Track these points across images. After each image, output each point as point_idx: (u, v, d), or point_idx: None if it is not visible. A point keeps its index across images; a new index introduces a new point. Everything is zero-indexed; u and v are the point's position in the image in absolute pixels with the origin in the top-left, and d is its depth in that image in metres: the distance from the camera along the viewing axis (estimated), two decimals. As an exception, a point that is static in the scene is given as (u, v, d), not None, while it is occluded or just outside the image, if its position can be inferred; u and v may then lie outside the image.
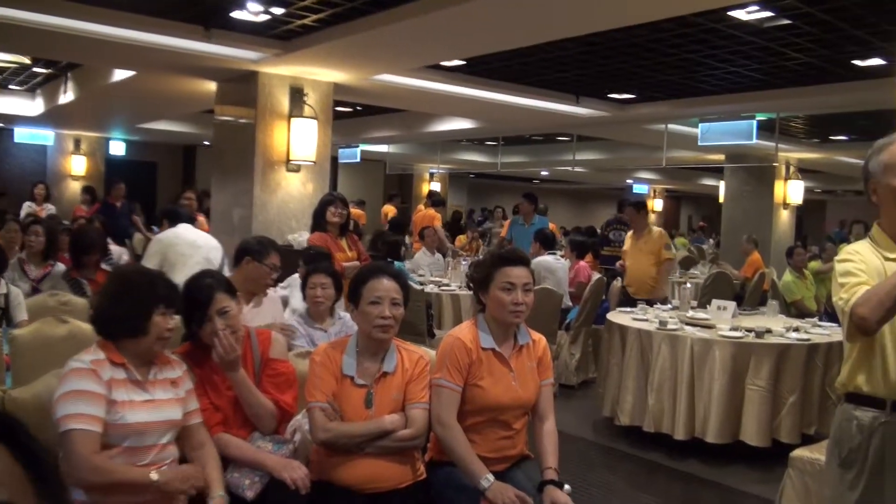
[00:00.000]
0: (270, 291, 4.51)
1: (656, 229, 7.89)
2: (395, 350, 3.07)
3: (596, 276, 8.22)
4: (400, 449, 2.95)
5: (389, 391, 2.99)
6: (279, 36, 7.80)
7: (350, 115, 14.02)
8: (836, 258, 2.58)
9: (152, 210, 13.10)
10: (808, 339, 5.62)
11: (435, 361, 3.09)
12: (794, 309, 8.86)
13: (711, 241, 19.16)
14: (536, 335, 3.25)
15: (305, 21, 7.23)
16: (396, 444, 2.93)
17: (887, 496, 2.42)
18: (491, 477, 2.84)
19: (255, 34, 7.75)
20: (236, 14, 7.06)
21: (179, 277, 3.19)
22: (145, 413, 2.61)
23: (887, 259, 2.50)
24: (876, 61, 8.21)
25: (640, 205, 8.02)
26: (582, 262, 8.69)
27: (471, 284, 3.26)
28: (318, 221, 6.14)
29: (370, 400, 2.96)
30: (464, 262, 9.11)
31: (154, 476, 2.53)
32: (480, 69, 9.36)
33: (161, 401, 2.67)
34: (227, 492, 2.73)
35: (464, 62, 8.91)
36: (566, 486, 2.97)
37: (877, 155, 2.53)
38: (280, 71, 8.70)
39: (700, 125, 11.69)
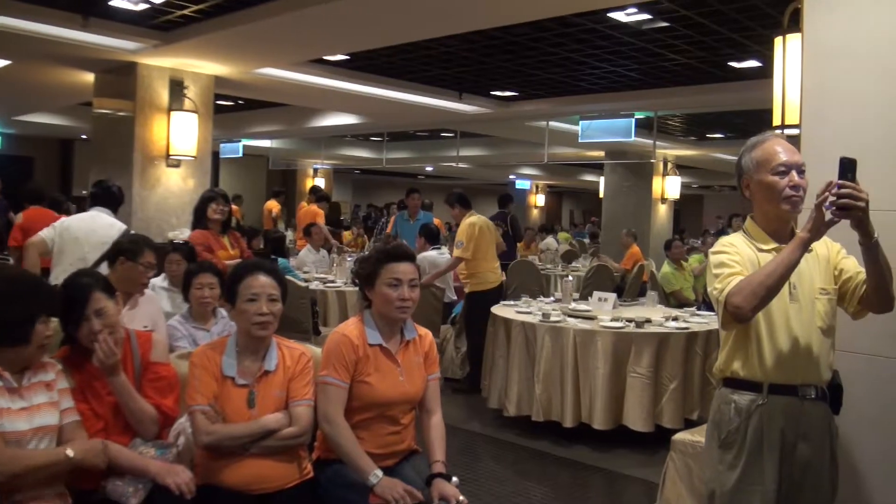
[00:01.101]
0: (148, 290, 4.36)
1: (463, 223, 7.58)
2: (275, 347, 3.03)
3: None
4: (285, 448, 2.91)
5: (271, 390, 2.95)
6: (159, 26, 7.58)
7: (232, 108, 13.75)
8: (711, 250, 2.67)
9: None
10: (686, 328, 5.83)
11: (321, 359, 3.06)
12: (672, 299, 9.15)
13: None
14: (423, 330, 3.26)
15: (186, 11, 7.04)
16: (281, 444, 2.89)
17: (766, 474, 2.52)
18: (379, 473, 2.83)
19: (134, 24, 7.51)
20: (115, 2, 6.82)
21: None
22: (23, 421, 2.51)
23: (761, 250, 2.60)
24: (751, 63, 8.56)
25: (455, 198, 7.96)
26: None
27: (356, 281, 3.24)
28: (199, 218, 5.99)
29: (252, 400, 2.91)
30: (349, 259, 9.06)
31: (70, 452, 2.49)
32: (364, 64, 9.33)
33: (37, 406, 2.57)
34: (110, 500, 2.65)
35: (347, 57, 8.86)
36: (454, 479, 2.99)
37: (749, 152, 2.64)
38: (160, 62, 8.46)
39: (581, 122, 11.95)
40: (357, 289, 3.27)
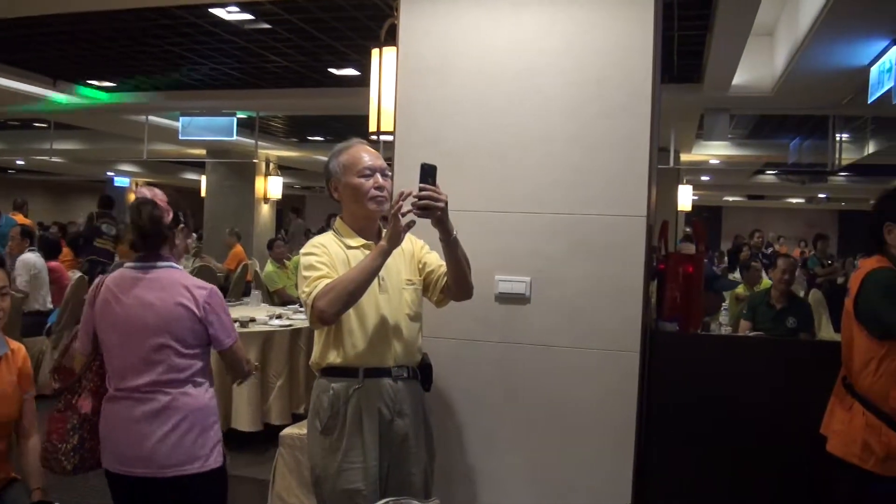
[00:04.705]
0: None
1: None
2: None
3: (77, 274, 7.78)
4: None
5: None
6: None
7: None
8: (302, 251, 2.80)
9: None
10: (290, 325, 5.98)
11: None
12: (277, 297, 9.27)
13: (195, 235, 19.23)
14: (15, 344, 3.02)
15: None
16: None
17: (367, 452, 2.70)
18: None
19: None
20: None
21: None
22: None
23: (349, 248, 2.78)
24: (350, 71, 8.95)
25: None
26: (54, 263, 8.06)
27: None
28: None
29: None
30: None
31: None
32: (-60, 40, 8.32)
33: None
34: None
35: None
36: (56, 504, 2.82)
37: (337, 157, 2.83)
38: None
39: (181, 119, 11.71)
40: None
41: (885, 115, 10.23)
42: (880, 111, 9.67)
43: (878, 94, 6.74)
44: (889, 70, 6.36)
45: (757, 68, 8.34)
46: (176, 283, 2.69)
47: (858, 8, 5.61)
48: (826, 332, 7.21)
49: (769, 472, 3.31)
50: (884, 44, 6.41)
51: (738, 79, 8.33)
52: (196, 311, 2.67)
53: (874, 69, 6.80)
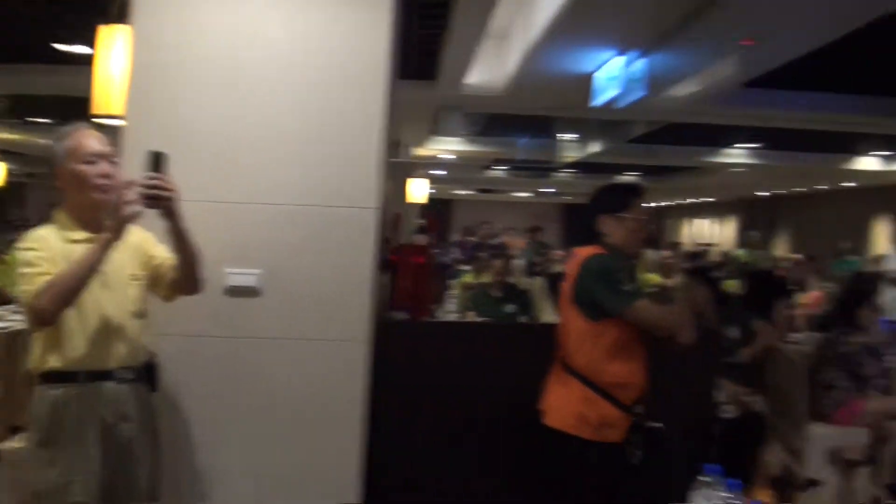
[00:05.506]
0: None
1: None
2: None
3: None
4: None
5: None
6: None
7: None
8: (20, 245, 2.59)
9: None
10: (9, 327, 5.51)
11: None
12: (-8, 297, 8.57)
13: None
14: None
15: None
16: None
17: (90, 461, 2.55)
18: None
19: None
20: None
21: None
22: None
23: (70, 241, 2.59)
24: (80, 48, 8.37)
25: None
26: None
27: None
28: None
29: None
30: None
31: None
32: None
33: None
34: None
35: None
36: None
37: (61, 141, 2.62)
38: None
39: None
40: None
41: (606, 118, 11.11)
42: (602, 115, 10.48)
43: (602, 99, 7.31)
44: (615, 78, 6.93)
45: (491, 69, 8.74)
46: None
47: (587, 19, 6.05)
48: (550, 315, 7.69)
49: (497, 451, 3.52)
50: (610, 53, 6.96)
51: (473, 78, 8.69)
52: None
53: (599, 75, 7.36)
